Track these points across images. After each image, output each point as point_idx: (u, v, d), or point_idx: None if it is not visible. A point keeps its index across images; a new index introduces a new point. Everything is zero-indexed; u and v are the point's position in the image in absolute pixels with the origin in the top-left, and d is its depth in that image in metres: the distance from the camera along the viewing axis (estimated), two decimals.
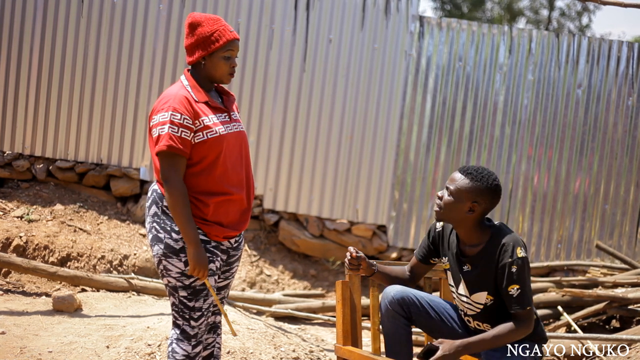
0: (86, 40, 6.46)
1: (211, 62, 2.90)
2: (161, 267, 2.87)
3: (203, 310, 2.90)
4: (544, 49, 6.44)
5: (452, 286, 2.98)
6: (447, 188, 2.85)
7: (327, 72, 6.49)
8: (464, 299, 2.93)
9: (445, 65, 6.47)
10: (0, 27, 6.44)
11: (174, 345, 2.91)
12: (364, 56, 6.48)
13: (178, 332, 2.91)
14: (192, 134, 2.81)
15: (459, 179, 2.82)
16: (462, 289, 2.92)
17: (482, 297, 2.87)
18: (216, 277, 2.93)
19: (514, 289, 2.73)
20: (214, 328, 3.11)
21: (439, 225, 3.04)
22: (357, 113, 6.50)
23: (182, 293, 2.87)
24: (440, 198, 2.85)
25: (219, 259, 2.92)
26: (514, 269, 2.73)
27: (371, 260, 3.08)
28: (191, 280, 2.85)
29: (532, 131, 6.46)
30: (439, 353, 2.72)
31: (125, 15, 6.45)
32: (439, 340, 2.77)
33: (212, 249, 2.89)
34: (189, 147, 2.81)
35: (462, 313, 3.01)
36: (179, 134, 2.77)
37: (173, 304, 2.91)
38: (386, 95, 6.48)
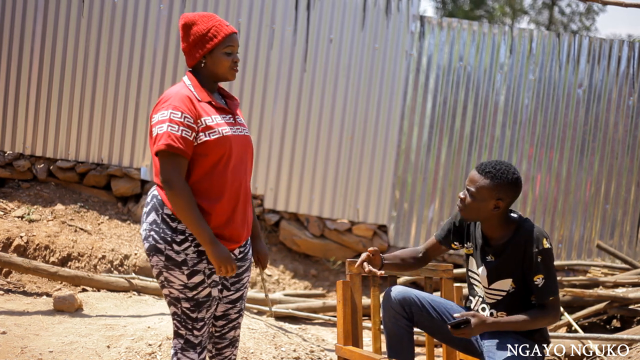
0: (87, 40, 6.46)
1: (212, 60, 2.76)
2: (162, 278, 2.74)
3: (205, 319, 2.80)
4: (544, 48, 6.44)
5: (474, 272, 2.99)
6: (468, 189, 2.84)
7: (328, 72, 6.49)
8: (482, 287, 2.96)
9: (446, 65, 6.47)
10: (1, 27, 6.44)
11: (180, 355, 2.81)
12: (365, 56, 6.48)
13: (182, 342, 2.80)
14: (194, 133, 2.66)
15: (479, 180, 2.81)
16: (483, 277, 2.94)
17: (507, 284, 2.88)
18: (219, 287, 2.83)
19: (539, 279, 2.77)
20: (234, 342, 3.02)
21: None
22: (357, 113, 6.50)
23: (185, 305, 2.75)
24: (463, 200, 2.85)
25: None
26: (539, 259, 2.78)
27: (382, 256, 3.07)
28: (194, 292, 2.74)
29: (532, 131, 6.46)
30: (470, 328, 2.73)
31: (126, 15, 6.45)
32: (471, 312, 2.77)
33: None
34: (191, 147, 2.64)
35: (479, 300, 3.01)
36: (179, 133, 2.62)
37: (175, 314, 2.79)
38: (387, 95, 6.48)
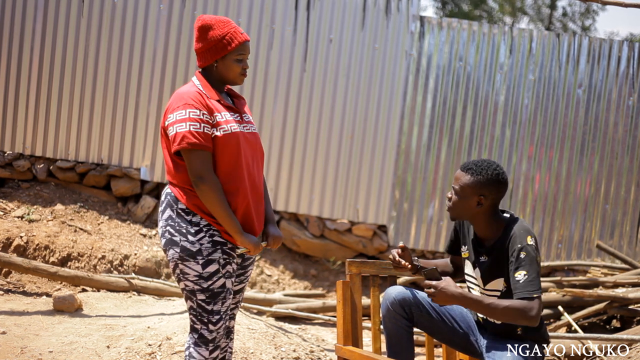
0: (87, 40, 6.46)
1: (223, 65, 2.88)
2: (177, 271, 2.82)
3: (221, 313, 2.86)
4: (544, 48, 6.44)
5: (470, 276, 3.00)
6: (454, 188, 2.91)
7: (328, 72, 6.49)
8: (479, 288, 2.96)
9: (445, 65, 6.47)
10: (0, 26, 6.44)
11: (191, 349, 2.88)
12: (365, 56, 6.48)
13: (196, 336, 2.87)
14: (213, 128, 2.79)
15: (462, 177, 2.88)
16: (478, 278, 2.95)
17: (499, 284, 2.88)
18: (233, 279, 2.89)
19: (520, 275, 2.73)
20: (228, 332, 3.08)
21: None
22: (357, 113, 6.50)
23: (200, 296, 2.82)
24: (450, 199, 2.92)
25: (234, 261, 2.88)
26: (522, 255, 2.75)
27: (414, 257, 3.10)
28: (209, 282, 2.81)
29: (532, 131, 6.46)
30: (440, 283, 2.74)
31: (126, 15, 6.45)
32: (444, 281, 2.77)
33: (229, 250, 2.85)
34: (211, 141, 2.78)
35: None
36: (201, 130, 2.75)
37: (191, 308, 2.87)
38: (387, 95, 6.48)
